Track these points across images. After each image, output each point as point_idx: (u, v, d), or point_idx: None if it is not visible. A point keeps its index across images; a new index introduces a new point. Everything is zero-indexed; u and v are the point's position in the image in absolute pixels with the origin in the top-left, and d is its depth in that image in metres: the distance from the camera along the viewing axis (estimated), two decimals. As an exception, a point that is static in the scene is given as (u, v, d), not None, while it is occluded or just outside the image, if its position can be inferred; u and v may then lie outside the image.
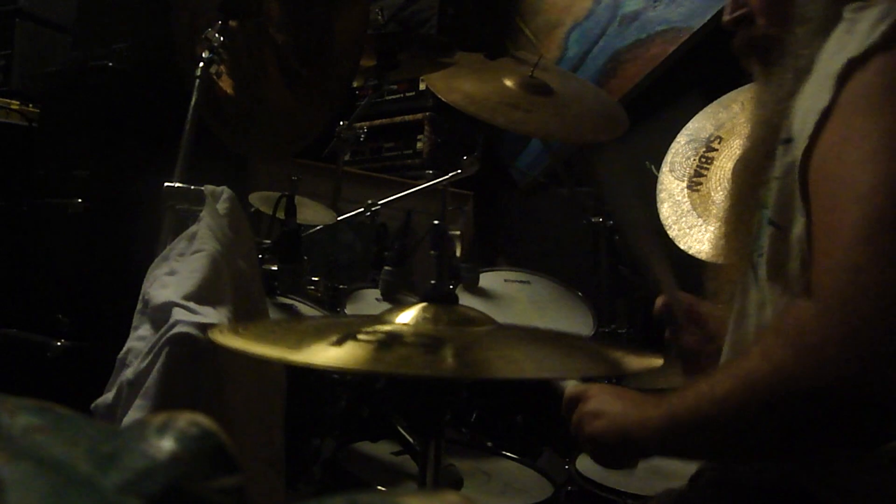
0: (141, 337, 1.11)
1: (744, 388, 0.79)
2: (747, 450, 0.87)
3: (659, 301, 1.29)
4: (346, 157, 2.43)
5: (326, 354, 0.67)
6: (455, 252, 2.00)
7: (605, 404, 0.95)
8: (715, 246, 1.13)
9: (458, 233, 2.10)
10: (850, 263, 0.76)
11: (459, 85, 2.00)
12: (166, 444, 0.36)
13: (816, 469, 0.89)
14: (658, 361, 0.80)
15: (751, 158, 1.03)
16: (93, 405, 1.11)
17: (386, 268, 1.90)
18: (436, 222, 1.99)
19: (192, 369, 1.05)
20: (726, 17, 1.08)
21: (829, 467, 0.88)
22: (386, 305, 1.86)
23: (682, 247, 1.76)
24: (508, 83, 2.06)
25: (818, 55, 0.91)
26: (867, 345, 0.72)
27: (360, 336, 0.70)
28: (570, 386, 1.04)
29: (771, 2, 1.02)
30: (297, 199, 1.80)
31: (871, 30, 0.84)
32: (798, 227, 0.89)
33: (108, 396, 1.10)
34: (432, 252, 1.98)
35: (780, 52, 0.98)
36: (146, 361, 1.05)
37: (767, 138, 0.97)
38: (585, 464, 1.45)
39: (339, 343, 0.68)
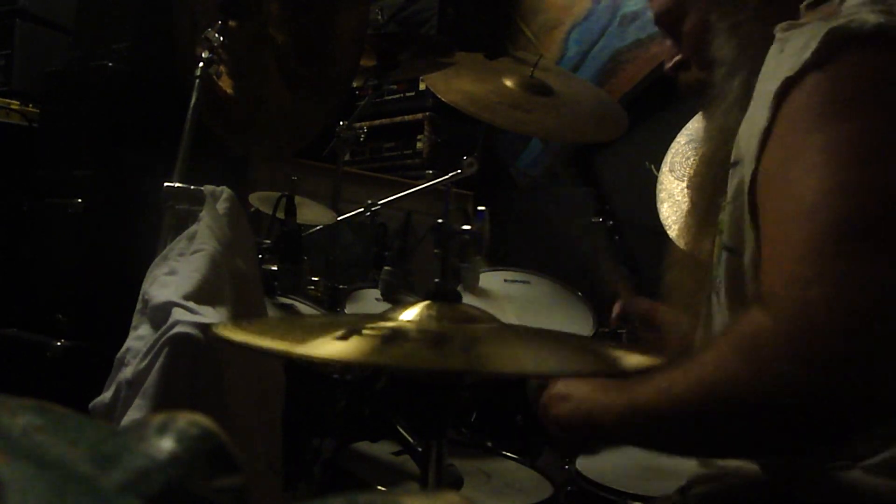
0: (140, 336, 1.11)
1: (698, 393, 0.80)
2: (699, 448, 0.92)
3: (616, 307, 1.31)
4: (346, 157, 2.43)
5: (330, 347, 0.67)
6: (473, 253, 1.98)
7: (571, 387, 0.97)
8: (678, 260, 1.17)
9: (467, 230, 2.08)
10: (800, 277, 0.77)
11: (459, 85, 2.00)
12: (166, 444, 0.36)
13: (811, 482, 0.89)
14: (658, 360, 0.81)
15: (705, 184, 1.07)
16: (91, 404, 1.11)
17: (386, 268, 1.90)
18: (439, 220, 1.99)
19: (192, 369, 1.05)
20: (666, 66, 1.16)
21: (823, 480, 0.88)
22: (386, 305, 1.86)
23: (682, 247, 1.75)
24: (508, 83, 2.06)
25: (755, 78, 0.93)
26: (818, 358, 0.73)
27: (365, 331, 0.71)
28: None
29: (695, 49, 1.08)
30: (297, 199, 1.80)
31: (804, 49, 0.85)
32: (749, 251, 0.91)
33: (107, 395, 1.10)
34: (436, 251, 1.97)
35: (717, 90, 1.03)
36: (146, 361, 1.05)
37: (717, 165, 1.01)
38: (585, 464, 1.45)
39: (344, 337, 0.68)
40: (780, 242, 0.82)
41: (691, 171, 1.17)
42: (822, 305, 0.74)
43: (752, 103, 0.93)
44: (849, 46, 0.84)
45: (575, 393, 0.95)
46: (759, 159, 0.87)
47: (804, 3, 0.95)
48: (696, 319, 1.06)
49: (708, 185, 1.07)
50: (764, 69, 0.92)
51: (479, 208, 1.88)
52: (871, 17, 0.83)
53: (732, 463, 1.00)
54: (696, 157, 1.14)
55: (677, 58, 1.13)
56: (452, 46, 2.12)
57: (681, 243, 1.16)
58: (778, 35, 0.91)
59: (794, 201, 0.81)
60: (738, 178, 0.92)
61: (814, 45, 0.84)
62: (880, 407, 0.75)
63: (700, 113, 1.12)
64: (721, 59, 1.02)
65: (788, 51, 0.88)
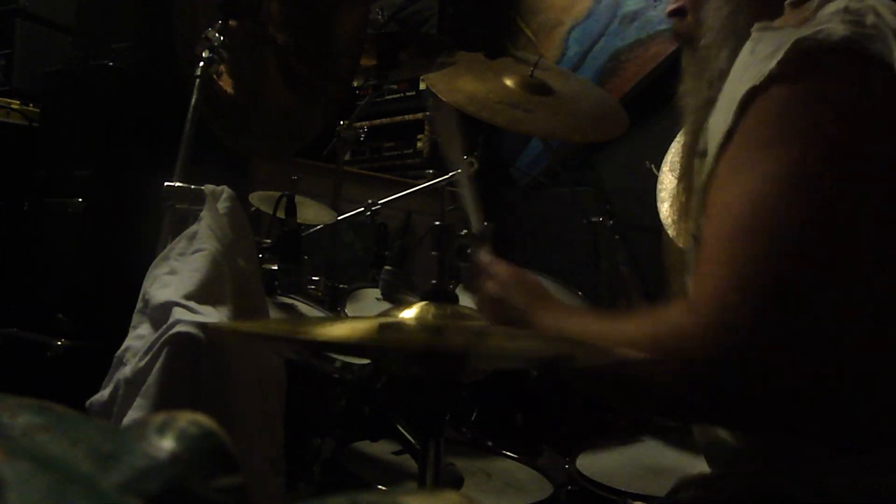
0: (140, 336, 1.11)
1: (622, 360, 0.84)
2: (609, 396, 1.06)
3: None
4: (346, 157, 2.43)
5: (334, 331, 0.69)
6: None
7: (509, 296, 1.02)
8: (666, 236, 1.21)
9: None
10: (719, 284, 0.83)
11: (460, 85, 2.00)
12: (166, 444, 0.36)
13: (804, 479, 0.89)
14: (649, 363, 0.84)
15: (683, 168, 1.11)
16: (88, 402, 1.11)
17: (386, 267, 1.90)
18: (437, 223, 1.99)
19: (193, 369, 1.05)
20: (669, 8, 1.16)
21: (818, 477, 0.89)
22: (386, 305, 1.86)
23: (682, 246, 1.76)
24: (508, 83, 2.05)
25: (728, 69, 0.95)
26: (736, 365, 0.80)
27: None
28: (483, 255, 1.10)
29: (696, 3, 1.09)
30: (297, 198, 1.80)
31: (770, 57, 0.86)
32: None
33: (104, 394, 1.10)
34: (434, 253, 1.97)
35: (703, 52, 1.05)
36: (146, 360, 1.05)
37: (690, 149, 1.04)
38: (585, 463, 1.45)
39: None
40: (710, 249, 0.87)
41: (676, 159, 1.20)
42: (734, 314, 0.80)
43: (720, 100, 0.94)
44: (813, 59, 0.85)
45: (509, 306, 1.01)
46: (717, 160, 0.90)
47: (788, 1, 0.95)
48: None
49: (684, 174, 1.10)
50: (734, 67, 0.93)
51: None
52: (839, 29, 0.84)
53: (720, 469, 1.01)
54: (682, 141, 1.14)
55: (680, 3, 1.13)
56: (452, 46, 2.12)
57: (678, 240, 1.18)
58: (753, 34, 0.92)
59: (730, 217, 0.85)
60: (703, 171, 0.95)
61: (780, 54, 0.85)
62: (780, 410, 0.83)
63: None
64: (710, 24, 1.03)
65: (757, 54, 0.89)
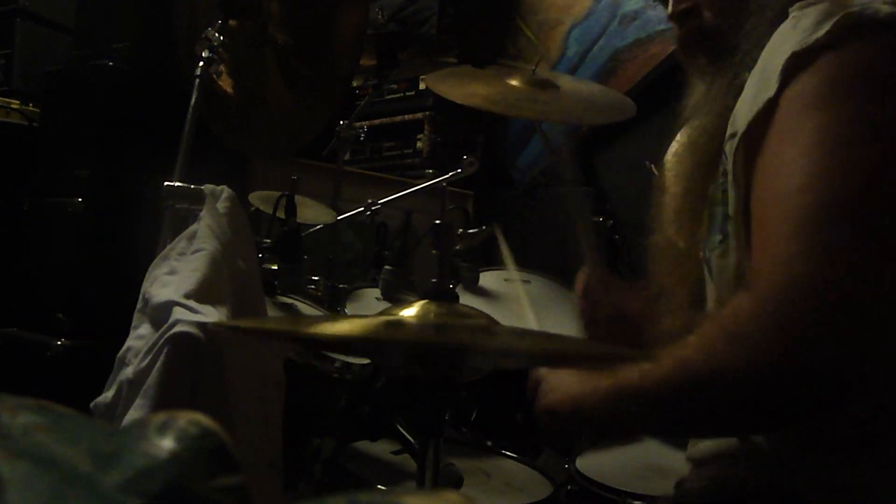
0: (140, 336, 1.11)
1: (681, 373, 0.83)
2: (685, 428, 0.96)
3: (579, 279, 1.30)
4: (346, 157, 2.43)
5: (336, 327, 0.69)
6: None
7: (560, 379, 0.99)
8: (660, 237, 1.16)
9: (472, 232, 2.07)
10: (783, 257, 0.79)
11: (473, 89, 2.01)
12: (167, 444, 0.36)
13: (811, 474, 0.90)
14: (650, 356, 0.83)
15: (701, 153, 1.04)
16: (92, 404, 1.11)
17: (386, 267, 1.90)
18: (437, 222, 1.99)
19: (193, 368, 1.05)
20: (671, 10, 1.09)
21: (824, 471, 0.89)
22: (386, 305, 1.86)
23: (682, 246, 1.75)
24: (514, 83, 2.06)
25: (760, 52, 0.93)
26: (798, 336, 0.75)
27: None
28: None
29: None
30: (297, 198, 1.80)
31: (816, 27, 0.85)
32: (733, 210, 0.92)
33: (108, 395, 1.10)
34: (434, 252, 1.97)
35: (726, 44, 1.00)
36: (146, 360, 1.05)
37: (716, 133, 0.99)
38: (585, 463, 1.45)
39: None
40: (768, 222, 0.84)
41: (674, 159, 1.14)
42: (803, 285, 0.76)
43: (754, 73, 0.92)
44: (862, 32, 0.84)
45: (563, 382, 0.97)
46: (752, 127, 0.88)
47: None
48: (676, 308, 1.06)
49: (696, 170, 1.04)
50: (771, 42, 0.91)
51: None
52: (884, 8, 0.84)
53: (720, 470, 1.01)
54: (684, 139, 1.10)
55: (688, 2, 1.06)
56: (452, 46, 2.12)
57: (663, 233, 1.14)
58: (793, 13, 0.91)
59: (783, 181, 0.83)
60: (734, 149, 0.92)
61: (827, 25, 0.84)
62: (854, 384, 0.77)
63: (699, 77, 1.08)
64: (758, 7, 0.98)
65: (800, 27, 0.87)
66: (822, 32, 0.84)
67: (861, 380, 0.77)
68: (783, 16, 0.92)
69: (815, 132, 0.82)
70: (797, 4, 0.91)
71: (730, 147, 0.94)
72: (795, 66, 0.85)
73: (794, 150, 0.83)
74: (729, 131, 0.95)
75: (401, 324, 0.74)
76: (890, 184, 0.81)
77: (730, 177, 0.94)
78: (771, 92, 0.86)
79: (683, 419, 0.89)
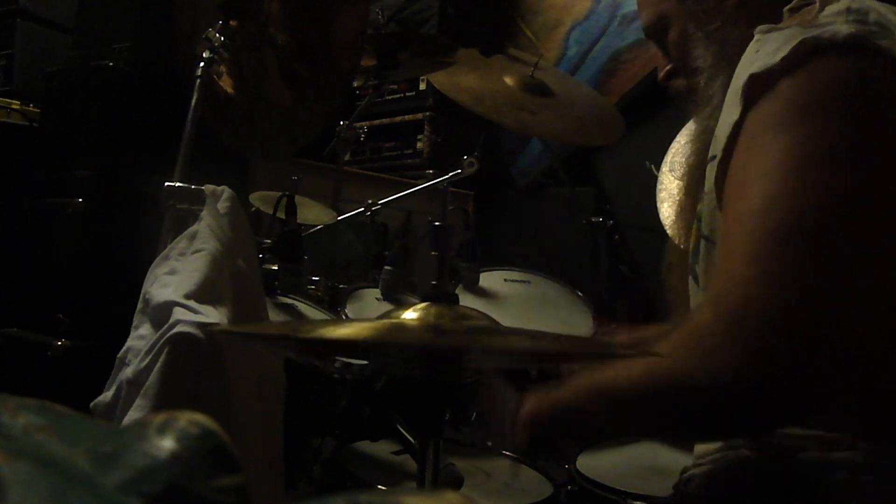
0: (141, 336, 1.11)
1: (648, 377, 0.87)
2: (653, 429, 1.05)
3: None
4: (347, 157, 2.43)
5: (339, 331, 0.69)
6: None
7: (538, 393, 1.03)
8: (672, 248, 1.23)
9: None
10: (740, 278, 0.82)
11: (464, 82, 2.01)
12: (167, 444, 0.36)
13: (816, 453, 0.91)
14: (653, 355, 0.85)
15: (691, 184, 1.12)
16: (92, 404, 1.11)
17: (386, 267, 1.90)
18: (436, 223, 1.99)
19: (193, 369, 1.05)
20: (660, 76, 1.20)
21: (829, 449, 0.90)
22: (386, 305, 1.86)
23: (682, 247, 1.76)
24: (509, 82, 2.06)
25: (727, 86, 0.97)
26: (752, 352, 0.79)
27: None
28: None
29: (680, 57, 1.13)
30: (298, 198, 1.80)
31: (776, 51, 0.87)
32: (720, 240, 0.95)
33: (108, 395, 1.10)
34: (433, 252, 1.97)
35: (698, 97, 1.08)
36: (147, 361, 1.05)
37: (702, 166, 1.04)
38: (585, 463, 1.45)
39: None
40: (731, 241, 0.87)
41: (683, 174, 1.21)
42: (756, 305, 0.80)
43: (727, 99, 0.95)
44: (820, 54, 0.86)
45: (543, 393, 1.01)
46: (726, 153, 0.91)
47: (787, 7, 0.97)
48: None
49: (693, 185, 1.11)
50: (738, 67, 0.94)
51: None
52: (843, 28, 0.85)
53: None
54: (686, 160, 1.18)
55: (668, 67, 1.18)
56: (453, 46, 2.12)
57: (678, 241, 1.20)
58: (757, 36, 0.93)
59: (745, 203, 0.86)
60: (714, 170, 0.96)
61: (786, 49, 0.86)
62: (809, 397, 0.81)
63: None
64: (702, 66, 1.07)
65: (763, 51, 0.90)
66: (780, 56, 0.86)
67: (819, 391, 0.80)
68: (746, 43, 0.96)
69: (774, 155, 0.85)
70: (759, 28, 0.94)
71: (710, 168, 0.97)
72: (756, 88, 0.88)
73: (756, 172, 0.86)
74: (711, 152, 0.98)
75: (401, 328, 0.74)
76: (845, 205, 0.82)
77: (705, 197, 0.99)
78: (736, 115, 0.89)
79: (650, 422, 0.95)
